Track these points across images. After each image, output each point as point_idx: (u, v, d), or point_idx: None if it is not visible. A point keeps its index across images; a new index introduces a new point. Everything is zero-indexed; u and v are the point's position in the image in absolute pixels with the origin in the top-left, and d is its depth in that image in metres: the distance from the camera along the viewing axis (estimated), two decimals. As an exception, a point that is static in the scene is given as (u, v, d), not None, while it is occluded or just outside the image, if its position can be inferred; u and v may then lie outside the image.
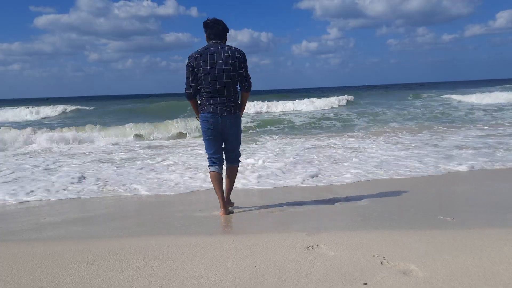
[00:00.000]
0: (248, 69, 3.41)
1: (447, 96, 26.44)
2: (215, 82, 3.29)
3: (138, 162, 7.06)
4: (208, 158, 3.58)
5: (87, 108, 27.41)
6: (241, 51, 3.36)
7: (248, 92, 3.48)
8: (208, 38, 3.41)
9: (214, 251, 2.57)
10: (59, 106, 25.47)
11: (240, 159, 3.75)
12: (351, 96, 26.47)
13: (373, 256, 2.36)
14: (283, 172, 5.70)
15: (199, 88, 3.40)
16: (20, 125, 14.96)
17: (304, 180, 5.18)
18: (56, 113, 24.02)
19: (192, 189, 4.96)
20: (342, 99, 24.66)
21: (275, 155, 7.25)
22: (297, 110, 20.78)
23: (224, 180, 3.66)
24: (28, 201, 4.64)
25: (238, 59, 3.31)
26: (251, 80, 3.44)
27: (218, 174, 3.52)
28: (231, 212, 3.68)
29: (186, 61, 3.39)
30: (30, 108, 24.33)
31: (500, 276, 2.06)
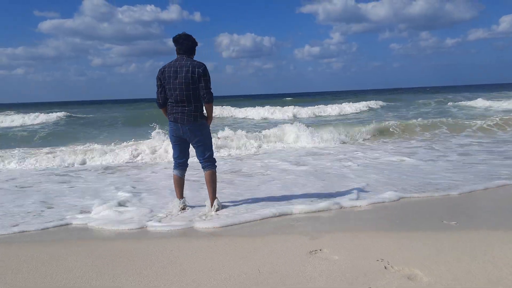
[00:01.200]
0: (208, 82, 3.61)
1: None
2: (177, 94, 3.57)
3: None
4: (173, 161, 3.91)
5: (87, 116, 26.35)
6: (202, 65, 3.59)
7: (209, 103, 3.67)
8: (177, 53, 3.67)
9: (217, 254, 2.57)
10: (50, 113, 24.53)
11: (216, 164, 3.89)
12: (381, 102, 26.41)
13: (377, 260, 2.35)
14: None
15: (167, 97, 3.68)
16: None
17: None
18: (47, 120, 23.22)
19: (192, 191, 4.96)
20: (375, 103, 25.35)
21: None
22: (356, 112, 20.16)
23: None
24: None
25: (197, 73, 3.54)
26: (211, 91, 3.64)
27: (179, 178, 3.91)
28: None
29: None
30: (22, 114, 23.77)
31: (504, 280, 2.05)
